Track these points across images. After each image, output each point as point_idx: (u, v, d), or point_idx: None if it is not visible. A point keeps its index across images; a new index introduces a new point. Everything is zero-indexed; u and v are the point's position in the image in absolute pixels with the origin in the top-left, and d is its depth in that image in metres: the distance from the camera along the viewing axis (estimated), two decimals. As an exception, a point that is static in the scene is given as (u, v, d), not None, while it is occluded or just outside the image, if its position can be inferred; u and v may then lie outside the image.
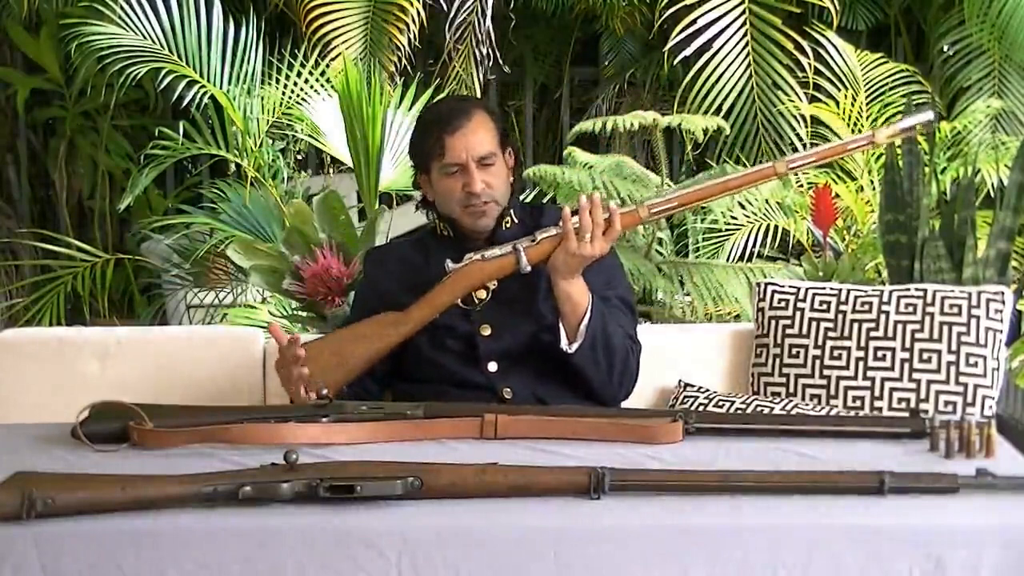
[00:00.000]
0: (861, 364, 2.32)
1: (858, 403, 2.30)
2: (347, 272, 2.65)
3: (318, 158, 5.33)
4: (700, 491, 1.56)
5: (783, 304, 2.41)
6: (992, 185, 3.96)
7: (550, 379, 2.12)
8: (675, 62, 4.28)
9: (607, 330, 2.09)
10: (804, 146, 4.16)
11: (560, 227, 2.03)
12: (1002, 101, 4.39)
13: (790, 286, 2.45)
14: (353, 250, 2.69)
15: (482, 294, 2.12)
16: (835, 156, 2.19)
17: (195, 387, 2.36)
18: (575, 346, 2.07)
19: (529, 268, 2.05)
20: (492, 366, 2.13)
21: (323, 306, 2.68)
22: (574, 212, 2.01)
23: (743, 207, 4.04)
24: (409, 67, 4.33)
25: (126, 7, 3.81)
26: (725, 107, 4.17)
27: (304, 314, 2.86)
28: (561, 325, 2.08)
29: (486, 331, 2.14)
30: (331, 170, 5.28)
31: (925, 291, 2.35)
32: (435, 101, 2.66)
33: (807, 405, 2.28)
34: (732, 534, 1.46)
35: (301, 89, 3.83)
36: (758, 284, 2.48)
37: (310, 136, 3.89)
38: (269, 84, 3.85)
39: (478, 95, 4.43)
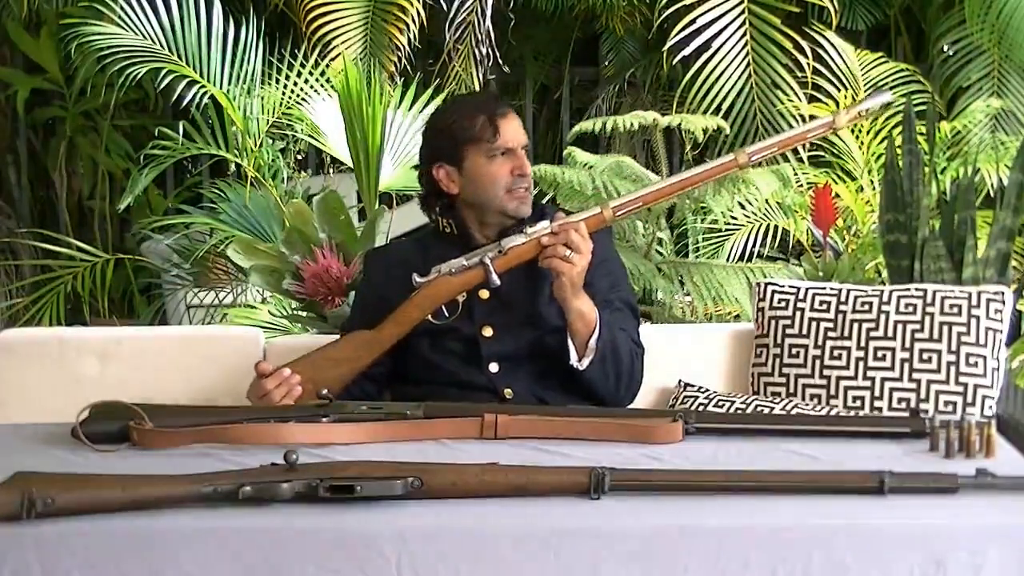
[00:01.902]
0: (861, 364, 2.32)
1: (858, 403, 2.30)
2: (347, 272, 2.65)
3: (318, 158, 5.33)
4: (700, 491, 1.56)
5: (783, 304, 2.41)
6: (992, 185, 3.96)
7: (551, 380, 2.12)
8: (675, 62, 4.28)
9: (615, 340, 2.09)
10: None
11: (527, 236, 2.05)
12: (1002, 101, 4.39)
13: (790, 286, 2.45)
14: (353, 250, 2.69)
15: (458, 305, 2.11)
16: (796, 143, 2.22)
17: (195, 387, 2.35)
18: (586, 362, 2.07)
19: (499, 282, 2.05)
20: (493, 367, 2.12)
21: (323, 306, 2.68)
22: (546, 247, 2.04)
23: (743, 207, 4.04)
24: (409, 67, 4.34)
25: (126, 7, 3.82)
26: (725, 107, 4.17)
27: (304, 314, 2.86)
28: (571, 342, 2.07)
29: (488, 332, 2.14)
30: (331, 170, 5.28)
31: (925, 291, 2.35)
32: (463, 95, 2.67)
33: (807, 405, 2.28)
34: (732, 534, 1.46)
35: (301, 89, 3.83)
36: (758, 284, 2.47)
37: (310, 136, 3.89)
38: (269, 84, 3.85)
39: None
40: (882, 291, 2.38)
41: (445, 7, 4.43)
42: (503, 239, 2.07)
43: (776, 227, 4.13)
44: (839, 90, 4.18)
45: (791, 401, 2.30)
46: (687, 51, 4.17)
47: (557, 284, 2.05)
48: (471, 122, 2.14)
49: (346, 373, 2.11)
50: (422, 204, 2.28)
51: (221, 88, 3.76)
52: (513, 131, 2.14)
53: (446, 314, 2.10)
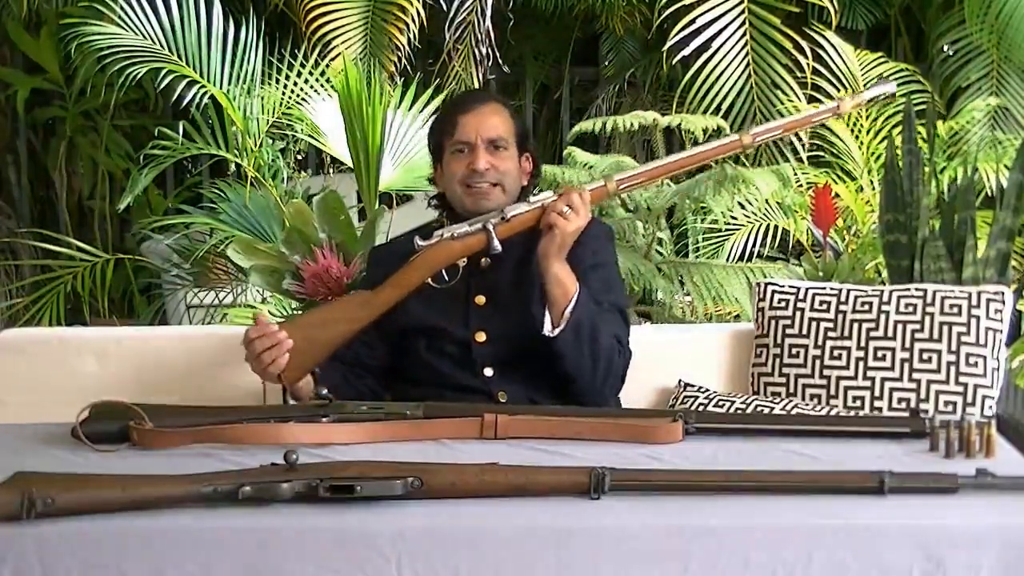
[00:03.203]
0: (861, 364, 2.32)
1: (858, 403, 2.30)
2: (347, 272, 2.65)
3: (318, 158, 5.34)
4: (700, 491, 1.56)
5: (783, 304, 2.41)
6: (992, 185, 3.96)
7: (544, 384, 2.11)
8: (675, 62, 4.28)
9: (595, 323, 2.07)
10: (803, 146, 4.17)
11: (530, 204, 2.05)
12: (1000, 100, 4.39)
13: (790, 286, 2.45)
14: (353, 250, 2.69)
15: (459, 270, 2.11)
16: (801, 127, 2.28)
17: (195, 387, 2.36)
18: (557, 330, 2.04)
19: (500, 248, 2.05)
20: (488, 371, 2.12)
21: (323, 306, 2.68)
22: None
23: (743, 207, 4.05)
24: (409, 67, 4.34)
25: (126, 7, 3.82)
26: (725, 107, 4.17)
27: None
28: (547, 311, 2.06)
29: (481, 337, 2.13)
30: (331, 170, 5.28)
31: (925, 291, 2.35)
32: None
33: (807, 405, 2.28)
34: (732, 534, 1.46)
35: (301, 89, 3.83)
36: (758, 284, 2.48)
37: (310, 136, 3.89)
38: (269, 84, 3.85)
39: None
40: (882, 291, 2.38)
41: (445, 7, 4.44)
42: (506, 207, 2.08)
43: (776, 227, 4.13)
44: (839, 90, 4.18)
45: (791, 401, 2.30)
46: (687, 51, 4.18)
47: (546, 238, 2.03)
48: (441, 120, 2.21)
49: (344, 333, 2.08)
50: (429, 203, 2.30)
51: (221, 88, 3.76)
52: (473, 126, 2.13)
53: (446, 278, 2.09)
